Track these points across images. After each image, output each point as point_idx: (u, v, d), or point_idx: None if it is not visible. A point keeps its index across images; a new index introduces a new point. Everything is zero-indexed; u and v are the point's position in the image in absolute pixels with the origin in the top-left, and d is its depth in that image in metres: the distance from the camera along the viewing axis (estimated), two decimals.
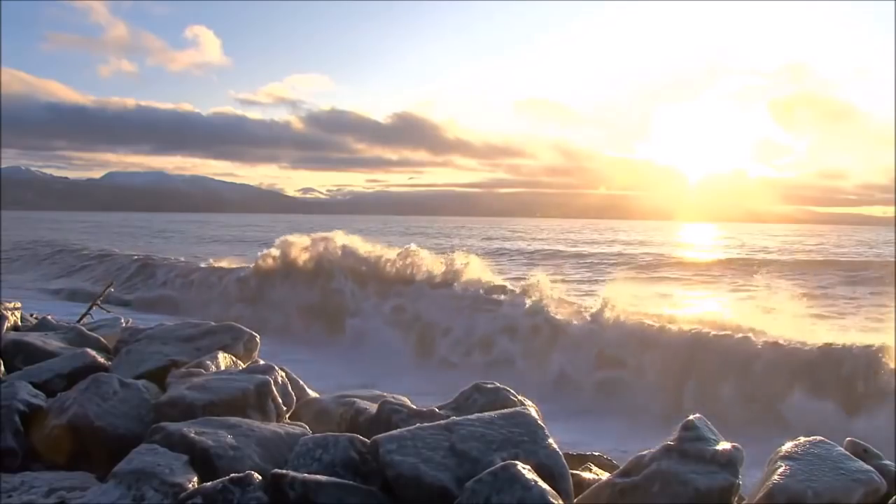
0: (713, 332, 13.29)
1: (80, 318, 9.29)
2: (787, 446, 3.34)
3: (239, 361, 4.90)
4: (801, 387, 11.36)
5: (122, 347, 5.18)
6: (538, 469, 2.91)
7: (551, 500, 2.70)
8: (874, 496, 3.05)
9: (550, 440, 3.23)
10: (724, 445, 3.18)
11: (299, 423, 4.01)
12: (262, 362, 4.91)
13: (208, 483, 2.90)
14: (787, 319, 13.60)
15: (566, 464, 3.21)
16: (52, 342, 5.38)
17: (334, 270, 21.11)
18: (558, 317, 15.89)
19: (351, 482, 2.95)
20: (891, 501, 2.98)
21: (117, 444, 3.54)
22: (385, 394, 4.69)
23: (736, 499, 3.06)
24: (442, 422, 3.31)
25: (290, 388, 4.34)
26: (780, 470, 3.12)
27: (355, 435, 3.29)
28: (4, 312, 5.92)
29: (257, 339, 5.31)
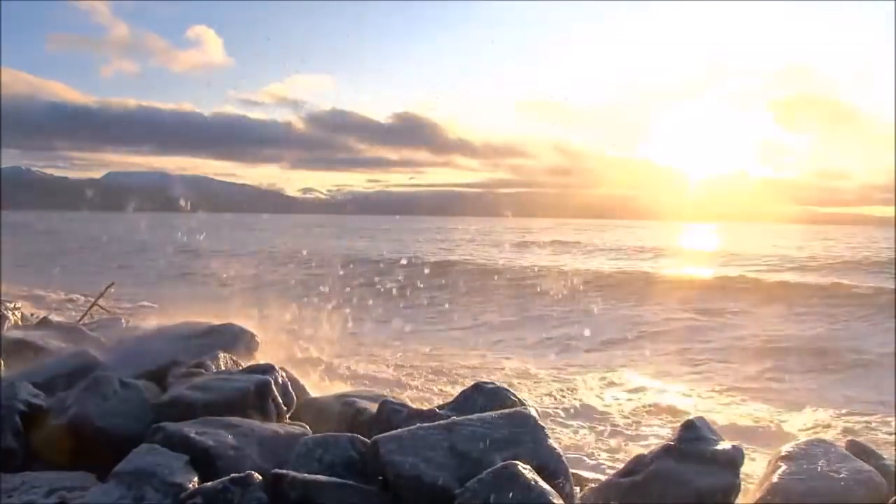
0: None
1: (81, 318, 9.29)
2: (788, 447, 3.34)
3: (239, 361, 4.90)
4: None
5: (123, 347, 5.19)
6: (538, 469, 2.90)
7: (552, 500, 2.70)
8: (874, 496, 3.05)
9: (551, 440, 3.23)
10: (724, 445, 3.18)
11: (299, 423, 4.00)
12: (262, 362, 4.91)
13: (209, 483, 2.90)
14: None
15: (566, 464, 3.20)
16: (53, 342, 5.38)
17: None
18: None
19: (351, 482, 2.94)
20: (891, 501, 2.98)
21: (117, 444, 3.53)
22: (385, 394, 4.68)
23: (736, 499, 3.06)
24: (442, 422, 3.30)
25: (290, 387, 4.33)
26: (781, 470, 3.12)
27: (356, 435, 3.28)
28: (5, 312, 5.92)
29: (258, 339, 5.31)
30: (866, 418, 7.11)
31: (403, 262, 24.40)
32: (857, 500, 2.99)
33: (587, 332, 12.67)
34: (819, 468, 3.11)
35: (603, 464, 5.09)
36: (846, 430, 6.54)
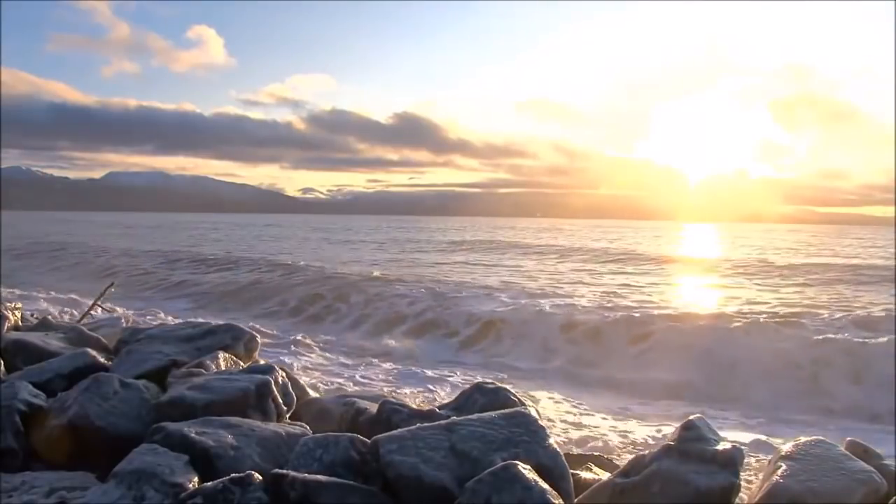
0: None
1: (81, 318, 9.29)
2: (788, 446, 3.34)
3: (239, 361, 4.91)
4: None
5: (123, 347, 5.19)
6: (538, 469, 2.91)
7: (552, 500, 2.70)
8: (874, 496, 3.05)
9: (551, 440, 3.23)
10: (724, 445, 3.18)
11: (300, 423, 4.01)
12: (262, 362, 4.91)
13: (209, 483, 2.90)
14: None
15: (566, 464, 3.21)
16: (53, 342, 5.39)
17: None
18: None
19: (352, 482, 2.95)
20: (891, 501, 2.98)
21: (118, 444, 3.54)
22: (385, 394, 4.69)
23: (736, 499, 3.06)
24: (442, 422, 3.31)
25: (290, 388, 4.34)
26: (781, 470, 3.12)
27: (356, 435, 3.29)
28: (5, 312, 5.92)
29: (258, 339, 5.31)
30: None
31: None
32: (857, 500, 2.99)
33: None
34: (819, 468, 3.11)
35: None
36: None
